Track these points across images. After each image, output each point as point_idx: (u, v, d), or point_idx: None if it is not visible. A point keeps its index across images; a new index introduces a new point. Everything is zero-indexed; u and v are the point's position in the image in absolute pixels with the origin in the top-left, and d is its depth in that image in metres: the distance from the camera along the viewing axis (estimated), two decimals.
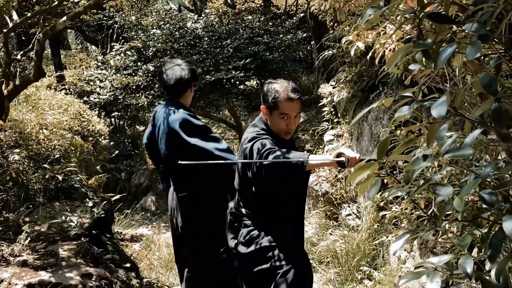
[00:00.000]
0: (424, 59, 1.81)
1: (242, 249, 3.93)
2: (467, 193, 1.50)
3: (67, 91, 8.17)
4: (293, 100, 3.67)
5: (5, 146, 4.40)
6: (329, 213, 7.30)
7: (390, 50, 2.76)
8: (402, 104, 1.87)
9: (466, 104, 2.18)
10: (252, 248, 3.85)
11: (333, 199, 7.22)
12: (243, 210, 3.99)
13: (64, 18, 3.57)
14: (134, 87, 9.56)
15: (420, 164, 1.56)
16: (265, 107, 3.81)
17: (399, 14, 1.97)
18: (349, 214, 6.99)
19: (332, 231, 6.74)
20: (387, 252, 5.78)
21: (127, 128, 11.85)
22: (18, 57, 4.27)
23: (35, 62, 3.61)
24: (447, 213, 2.01)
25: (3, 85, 3.82)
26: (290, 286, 3.69)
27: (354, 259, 5.91)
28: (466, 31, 1.60)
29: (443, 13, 1.73)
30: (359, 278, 5.72)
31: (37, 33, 3.97)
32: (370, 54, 3.05)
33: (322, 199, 7.38)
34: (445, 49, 1.55)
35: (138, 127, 12.48)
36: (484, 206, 1.98)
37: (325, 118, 8.25)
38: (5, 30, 3.70)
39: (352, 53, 3.21)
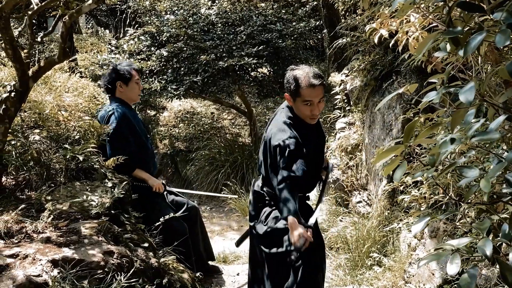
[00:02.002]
0: (448, 47, 1.87)
1: (260, 228, 4.00)
2: (493, 175, 1.56)
3: (82, 74, 8.22)
4: (315, 86, 3.68)
5: (25, 126, 4.47)
6: (339, 200, 7.38)
7: (414, 38, 2.81)
8: (427, 90, 1.93)
9: (486, 92, 2.24)
10: (269, 228, 3.93)
11: (344, 186, 7.28)
12: (266, 190, 4.07)
13: (90, 1, 3.63)
14: (148, 71, 9.63)
15: (447, 147, 1.62)
16: (288, 94, 3.84)
17: (423, 3, 2.03)
18: (360, 201, 7.05)
19: (342, 218, 6.81)
20: (397, 239, 5.84)
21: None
22: (39, 39, 4.32)
23: (60, 44, 3.67)
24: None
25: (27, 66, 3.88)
26: (304, 274, 3.76)
27: (364, 246, 5.98)
28: (494, 20, 1.65)
29: (472, 2, 1.78)
30: (369, 264, 5.79)
31: (57, 16, 4.02)
32: (392, 41, 3.10)
33: (333, 186, 7.44)
34: (475, 37, 1.60)
35: (149, 111, 12.55)
36: (504, 191, 2.04)
37: (337, 106, 8.29)
38: (30, 12, 3.75)
39: (376, 40, 3.25)
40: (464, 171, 1.65)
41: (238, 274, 6.17)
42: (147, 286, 3.37)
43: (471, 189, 1.71)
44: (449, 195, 2.41)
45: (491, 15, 1.65)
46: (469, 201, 2.21)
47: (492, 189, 2.08)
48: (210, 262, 6.02)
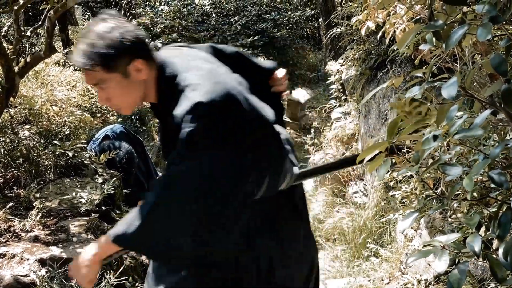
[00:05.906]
0: (434, 39, 1.82)
1: None
2: (476, 173, 1.51)
3: (76, 67, 8.17)
4: None
5: (15, 122, 4.43)
6: (336, 190, 7.33)
7: (400, 30, 2.76)
8: (412, 85, 1.88)
9: (475, 84, 2.18)
10: None
11: (340, 177, 7.23)
12: None
13: None
14: None
15: (430, 144, 1.57)
16: None
17: None
18: (356, 192, 7.01)
19: (339, 209, 6.77)
20: (393, 230, 5.80)
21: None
22: (28, 33, 4.27)
23: (46, 39, 3.62)
24: (456, 192, 2.02)
25: (13, 62, 3.84)
26: None
27: (360, 237, 5.94)
28: (477, 13, 1.60)
29: None
30: (366, 255, 5.75)
31: (46, 9, 3.97)
32: (380, 33, 3.05)
33: (329, 176, 7.40)
34: (456, 31, 1.55)
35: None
36: (492, 185, 2.00)
37: (332, 96, 8.24)
38: (15, 7, 3.70)
39: (362, 32, 3.19)
40: (447, 169, 1.60)
41: None
42: (137, 284, 3.34)
43: (454, 187, 1.67)
44: (438, 191, 2.37)
45: (473, 7, 1.61)
46: (456, 197, 2.17)
47: (476, 187, 2.04)
48: None
